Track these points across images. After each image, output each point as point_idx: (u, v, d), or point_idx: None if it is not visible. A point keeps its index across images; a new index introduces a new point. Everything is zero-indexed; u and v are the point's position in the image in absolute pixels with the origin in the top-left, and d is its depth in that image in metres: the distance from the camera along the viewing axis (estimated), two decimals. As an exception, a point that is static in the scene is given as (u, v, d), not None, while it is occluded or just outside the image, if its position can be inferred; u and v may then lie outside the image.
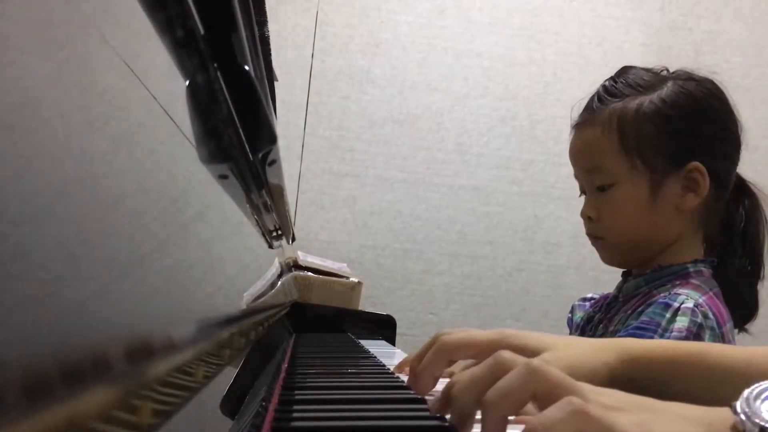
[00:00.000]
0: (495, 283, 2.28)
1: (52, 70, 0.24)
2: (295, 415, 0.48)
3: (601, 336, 1.11)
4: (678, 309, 0.98)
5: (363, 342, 1.23)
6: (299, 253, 1.66)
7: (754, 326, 1.14)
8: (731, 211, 1.13)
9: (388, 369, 0.80)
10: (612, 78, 1.14)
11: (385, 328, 1.57)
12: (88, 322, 0.21)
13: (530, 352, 0.62)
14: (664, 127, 1.08)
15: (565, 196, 2.26)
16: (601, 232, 1.13)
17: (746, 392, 0.42)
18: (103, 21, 0.31)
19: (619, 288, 1.16)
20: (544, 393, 0.42)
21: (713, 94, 1.10)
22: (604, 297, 1.20)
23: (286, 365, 0.76)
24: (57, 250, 0.20)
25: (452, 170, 2.30)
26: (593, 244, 1.16)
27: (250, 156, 0.52)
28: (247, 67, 0.43)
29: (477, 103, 2.32)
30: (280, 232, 0.98)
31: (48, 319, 0.18)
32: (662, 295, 1.03)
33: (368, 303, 2.07)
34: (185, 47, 0.38)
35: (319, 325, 1.51)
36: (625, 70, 1.15)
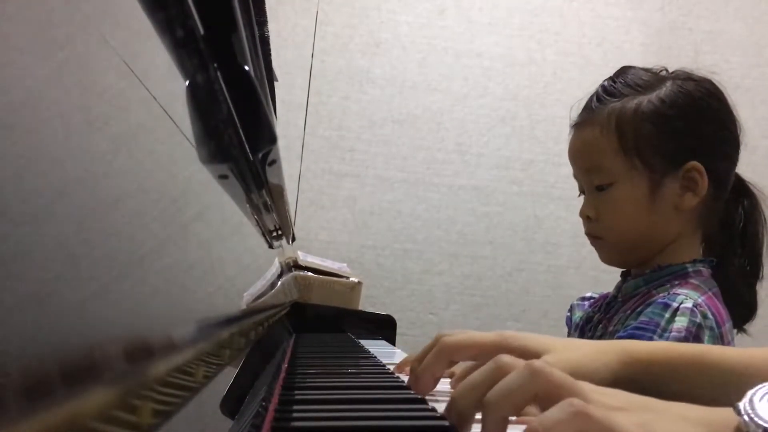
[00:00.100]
0: (495, 283, 2.29)
1: (52, 70, 0.24)
2: (295, 415, 0.48)
3: (601, 336, 1.11)
4: (677, 309, 0.98)
5: (363, 342, 1.23)
6: (299, 253, 1.66)
7: (753, 326, 1.14)
8: (730, 211, 1.13)
9: (388, 369, 0.80)
10: (611, 78, 1.14)
11: (385, 328, 1.57)
12: (88, 322, 0.21)
13: (531, 354, 0.62)
14: (662, 126, 1.08)
15: (565, 196, 2.26)
16: (600, 232, 1.13)
17: (750, 393, 0.42)
18: (103, 21, 0.31)
19: (618, 288, 1.16)
20: (545, 394, 0.42)
21: (712, 94, 1.10)
22: (604, 297, 1.20)
23: (286, 365, 0.76)
24: (57, 250, 0.20)
25: (452, 170, 2.30)
26: (592, 243, 1.16)
27: (250, 156, 0.52)
28: (247, 67, 0.43)
29: (477, 103, 2.32)
30: (280, 232, 0.98)
31: (48, 319, 0.18)
32: (661, 295, 1.03)
33: (368, 303, 2.07)
34: (185, 47, 0.38)
35: (319, 325, 1.51)
36: (624, 70, 1.15)
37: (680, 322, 0.97)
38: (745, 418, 0.40)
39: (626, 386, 0.56)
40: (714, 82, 1.12)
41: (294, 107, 2.17)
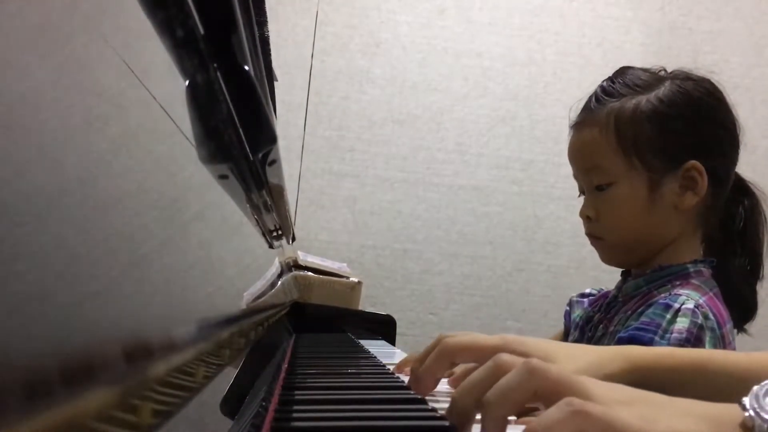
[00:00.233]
0: (495, 283, 2.28)
1: (52, 70, 0.24)
2: (295, 415, 0.48)
3: (601, 336, 1.11)
4: (678, 310, 0.98)
5: (363, 342, 1.23)
6: (299, 253, 1.66)
7: (754, 326, 1.14)
8: (731, 210, 1.13)
9: (388, 369, 0.80)
10: (610, 78, 1.14)
11: (385, 328, 1.57)
12: (88, 322, 0.21)
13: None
14: (661, 126, 1.08)
15: (565, 196, 2.26)
16: (600, 232, 1.13)
17: (755, 389, 0.41)
18: (103, 21, 0.31)
19: (619, 288, 1.16)
20: (544, 392, 0.42)
21: (711, 94, 1.10)
22: (604, 295, 1.20)
23: (286, 365, 0.76)
24: (57, 250, 0.20)
25: (452, 170, 2.30)
26: (592, 244, 1.16)
27: (250, 156, 0.52)
28: (247, 67, 0.43)
29: (477, 103, 2.32)
30: (280, 232, 0.98)
31: (48, 319, 0.18)
32: (662, 295, 1.03)
33: (368, 303, 2.07)
34: (185, 47, 0.38)
35: (319, 325, 1.51)
36: (622, 71, 1.15)
37: (681, 323, 0.97)
38: (751, 413, 0.40)
39: None
40: (713, 81, 1.12)
41: (294, 107, 2.17)
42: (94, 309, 0.22)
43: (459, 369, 0.73)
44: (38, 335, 0.17)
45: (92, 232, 0.24)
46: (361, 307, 1.65)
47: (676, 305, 0.99)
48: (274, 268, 0.97)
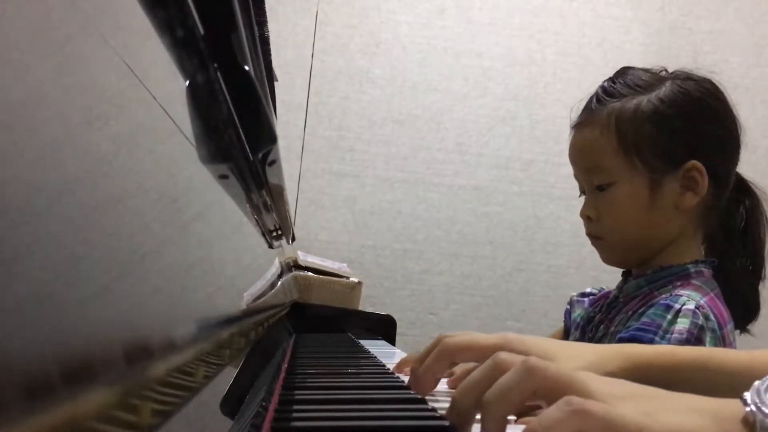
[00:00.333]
0: (495, 283, 2.28)
1: (52, 70, 0.24)
2: (295, 415, 0.48)
3: (602, 336, 1.11)
4: (679, 311, 0.98)
5: (363, 342, 1.23)
6: (299, 253, 1.66)
7: (755, 327, 1.14)
8: (732, 210, 1.13)
9: (388, 369, 0.80)
10: (610, 78, 1.14)
11: (385, 328, 1.57)
12: (88, 322, 0.21)
13: None
14: (662, 126, 1.08)
15: (565, 196, 2.26)
16: (600, 232, 1.13)
17: (757, 384, 0.41)
18: (103, 21, 0.31)
19: (620, 288, 1.16)
20: (544, 390, 0.42)
21: (712, 94, 1.10)
22: (605, 295, 1.20)
23: (286, 365, 0.76)
24: (57, 250, 0.20)
25: (452, 170, 2.30)
26: (593, 244, 1.16)
27: (250, 156, 0.52)
28: (247, 67, 0.43)
29: (477, 103, 2.32)
30: (280, 232, 0.98)
31: (48, 319, 0.18)
32: (663, 296, 1.03)
33: (368, 303, 2.07)
34: (185, 47, 0.38)
35: (319, 325, 1.51)
36: (623, 71, 1.15)
37: (682, 324, 0.97)
38: (752, 408, 0.40)
39: None
40: (714, 81, 1.12)
41: (294, 107, 2.17)
42: (94, 309, 0.22)
43: (459, 369, 0.73)
44: (38, 335, 0.17)
45: (92, 232, 0.24)
46: (361, 307, 1.66)
47: (677, 306, 0.99)
48: (274, 268, 0.97)
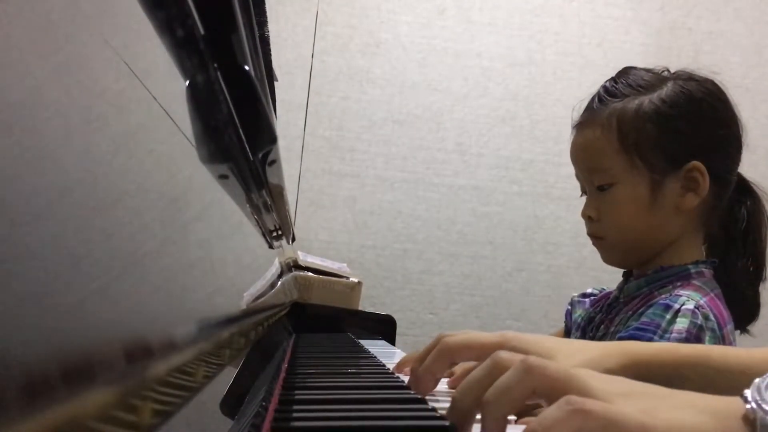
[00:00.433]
0: (495, 283, 2.29)
1: (52, 70, 0.24)
2: (295, 415, 0.48)
3: (602, 336, 1.11)
4: (678, 310, 0.98)
5: (363, 342, 1.23)
6: (299, 253, 1.66)
7: (756, 327, 1.14)
8: (733, 211, 1.13)
9: (388, 369, 0.80)
10: (612, 78, 1.14)
11: (385, 328, 1.57)
12: (88, 322, 0.21)
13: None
14: (663, 126, 1.08)
15: (565, 196, 2.26)
16: (601, 232, 1.13)
17: (757, 381, 0.41)
18: (103, 21, 0.31)
19: (620, 288, 1.16)
20: (543, 389, 0.42)
21: (714, 94, 1.10)
22: (605, 296, 1.20)
23: (286, 365, 0.76)
24: (57, 250, 0.20)
25: (452, 170, 2.30)
26: (594, 244, 1.16)
27: (250, 156, 0.52)
28: (247, 67, 0.43)
29: (477, 103, 2.32)
30: (280, 232, 0.98)
31: (48, 319, 0.18)
32: (663, 296, 1.03)
33: (368, 303, 2.07)
34: (185, 47, 0.38)
35: (319, 325, 1.51)
36: (625, 71, 1.15)
37: (681, 324, 0.97)
38: (753, 405, 0.40)
39: None
40: (716, 82, 1.12)
41: (294, 107, 2.17)
42: (94, 309, 0.22)
43: (459, 368, 0.73)
44: (38, 335, 0.17)
45: (92, 232, 0.24)
46: (361, 307, 1.65)
47: (676, 306, 0.99)
48: (274, 269, 0.97)
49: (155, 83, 0.37)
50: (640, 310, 1.04)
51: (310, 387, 0.62)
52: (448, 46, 2.32)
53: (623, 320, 1.07)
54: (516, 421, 0.51)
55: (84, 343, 0.20)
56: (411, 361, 0.77)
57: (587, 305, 1.24)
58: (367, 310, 1.71)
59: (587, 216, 1.14)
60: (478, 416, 0.45)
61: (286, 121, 2.14)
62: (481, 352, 0.64)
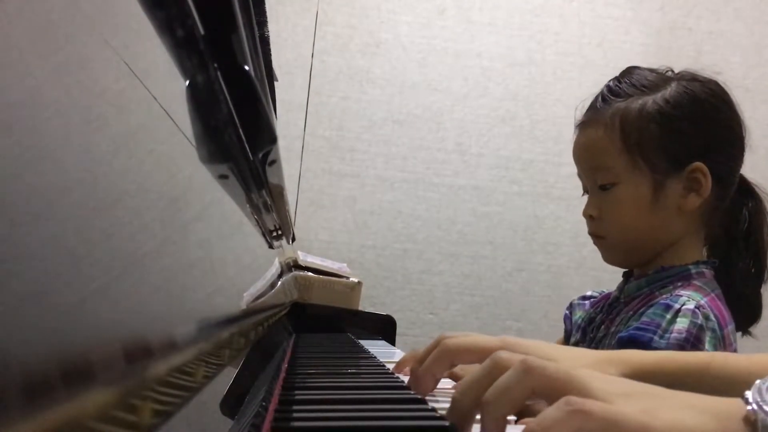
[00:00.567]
0: (495, 283, 2.28)
1: (52, 70, 0.24)
2: (295, 415, 0.48)
3: (603, 337, 1.11)
4: (679, 310, 0.98)
5: (363, 342, 1.23)
6: (299, 253, 1.66)
7: (757, 329, 1.14)
8: (734, 212, 1.13)
9: (388, 369, 0.80)
10: (616, 78, 1.14)
11: (385, 328, 1.57)
12: (88, 322, 0.21)
13: None
14: (666, 127, 1.07)
15: (565, 196, 2.26)
16: (602, 232, 1.13)
17: (758, 382, 0.41)
18: (103, 21, 0.31)
19: (621, 289, 1.16)
20: (543, 389, 0.42)
21: (717, 96, 1.10)
22: (605, 297, 1.20)
23: (286, 365, 0.76)
24: (57, 250, 0.20)
25: (452, 170, 2.30)
26: (595, 243, 1.16)
27: (250, 156, 0.52)
28: (247, 67, 0.43)
29: (477, 103, 2.32)
30: (280, 232, 0.98)
31: (48, 319, 0.18)
32: (664, 296, 1.03)
33: (368, 303, 2.07)
34: (185, 47, 0.38)
35: (319, 325, 1.51)
36: (629, 71, 1.15)
37: (681, 323, 0.97)
38: (754, 406, 0.40)
39: None
40: (720, 83, 1.12)
41: (294, 107, 2.17)
42: (94, 309, 0.22)
43: (458, 370, 0.73)
44: (38, 335, 0.17)
45: (92, 232, 0.24)
46: (361, 307, 1.65)
47: (677, 305, 0.98)
48: (274, 269, 0.97)
49: (155, 83, 0.37)
50: (641, 310, 1.04)
51: (310, 387, 0.62)
52: (448, 46, 2.32)
53: (624, 320, 1.07)
54: (516, 421, 0.51)
55: (84, 343, 0.20)
56: (410, 361, 0.77)
57: (587, 307, 1.24)
58: (367, 310, 1.71)
59: (589, 215, 1.14)
60: (478, 416, 0.45)
61: (286, 121, 2.14)
62: (481, 354, 0.64)
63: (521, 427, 0.41)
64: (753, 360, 0.66)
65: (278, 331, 1.22)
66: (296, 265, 1.53)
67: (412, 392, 0.62)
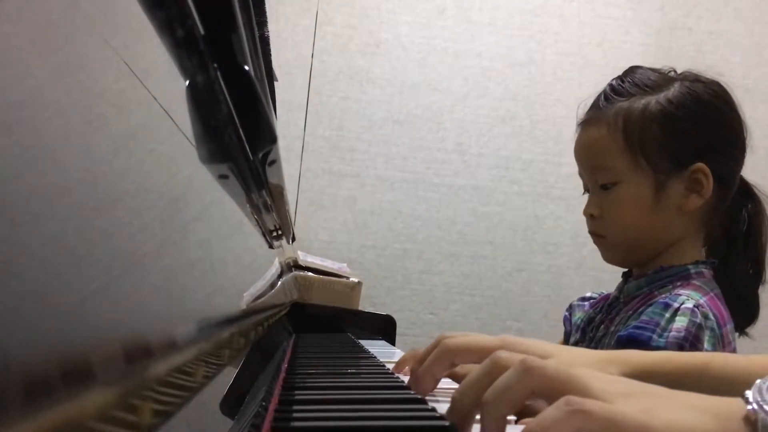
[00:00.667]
0: (495, 283, 2.28)
1: (52, 70, 0.24)
2: (295, 415, 0.48)
3: (602, 337, 1.11)
4: (678, 309, 0.98)
5: (363, 342, 1.23)
6: (299, 253, 1.66)
7: (755, 329, 1.14)
8: (734, 213, 1.13)
9: (388, 369, 0.80)
10: (619, 77, 1.14)
11: (385, 328, 1.57)
12: (88, 322, 0.21)
13: None
14: (669, 127, 1.07)
15: (565, 196, 2.26)
16: (603, 231, 1.13)
17: (759, 382, 0.41)
18: (103, 21, 0.31)
19: (620, 288, 1.16)
20: (543, 389, 0.42)
21: (720, 97, 1.10)
22: (605, 297, 1.20)
23: (286, 365, 0.76)
24: (57, 250, 0.20)
25: (452, 170, 2.30)
26: (595, 242, 1.16)
27: (250, 156, 0.52)
28: (247, 67, 0.43)
29: (477, 103, 2.32)
30: (280, 232, 0.98)
31: (48, 319, 0.18)
32: (663, 295, 1.03)
33: (368, 303, 2.07)
34: (185, 47, 0.38)
35: (319, 325, 1.51)
36: (632, 70, 1.15)
37: (680, 322, 0.97)
38: (754, 406, 0.40)
39: None
40: (722, 84, 1.12)
41: (294, 107, 2.17)
42: (94, 309, 0.22)
43: (459, 369, 0.73)
44: (38, 335, 0.17)
45: (92, 232, 0.24)
46: (361, 307, 1.65)
47: (676, 304, 0.99)
48: (274, 269, 0.97)
49: (155, 83, 0.37)
50: (640, 310, 1.04)
51: (310, 387, 0.62)
52: (448, 46, 2.32)
53: (623, 320, 1.07)
54: (516, 421, 0.51)
55: (84, 343, 0.20)
56: (410, 360, 0.77)
57: (586, 308, 1.24)
58: (367, 310, 1.71)
59: (589, 214, 1.14)
60: (478, 416, 0.45)
61: (286, 121, 2.14)
62: (481, 354, 0.64)
63: (521, 427, 0.40)
64: (752, 360, 0.66)
65: (278, 331, 1.22)
66: (296, 265, 1.53)
67: (412, 392, 0.62)
